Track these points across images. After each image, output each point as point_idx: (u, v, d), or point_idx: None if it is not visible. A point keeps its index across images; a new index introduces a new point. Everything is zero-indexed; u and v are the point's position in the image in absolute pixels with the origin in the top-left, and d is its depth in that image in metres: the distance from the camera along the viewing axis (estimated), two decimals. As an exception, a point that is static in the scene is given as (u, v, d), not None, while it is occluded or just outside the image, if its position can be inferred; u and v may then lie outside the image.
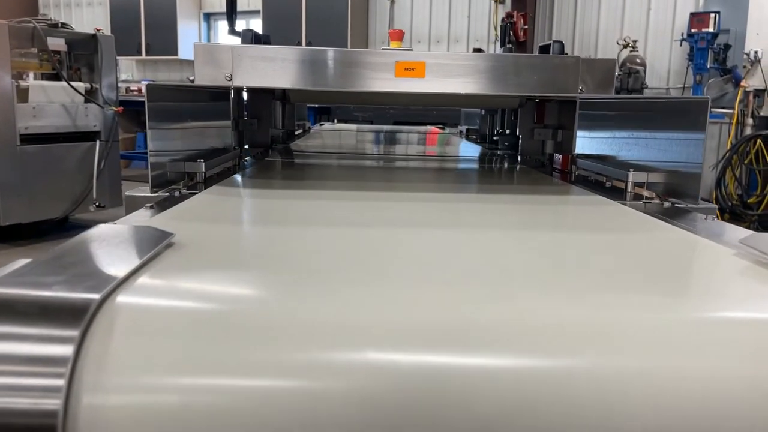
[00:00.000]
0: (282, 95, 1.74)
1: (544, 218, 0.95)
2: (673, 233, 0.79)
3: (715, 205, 0.94)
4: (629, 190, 1.09)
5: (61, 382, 0.41)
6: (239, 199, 1.07)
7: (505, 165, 1.76)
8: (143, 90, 6.28)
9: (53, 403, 0.41)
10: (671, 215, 0.91)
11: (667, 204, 1.00)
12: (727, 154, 6.11)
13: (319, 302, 0.49)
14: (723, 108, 6.76)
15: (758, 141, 6.02)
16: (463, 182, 1.46)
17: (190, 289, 0.51)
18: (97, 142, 4.34)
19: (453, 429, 0.43)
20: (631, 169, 1.09)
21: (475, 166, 1.83)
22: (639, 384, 0.45)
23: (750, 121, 6.24)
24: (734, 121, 6.25)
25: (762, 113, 6.13)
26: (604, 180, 1.23)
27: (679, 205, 0.97)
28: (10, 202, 3.78)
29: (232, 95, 1.57)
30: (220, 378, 0.43)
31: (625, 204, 1.02)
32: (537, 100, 1.78)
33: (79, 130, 4.23)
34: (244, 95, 1.81)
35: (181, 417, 0.42)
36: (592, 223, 0.91)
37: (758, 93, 6.14)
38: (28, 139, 3.88)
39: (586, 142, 1.44)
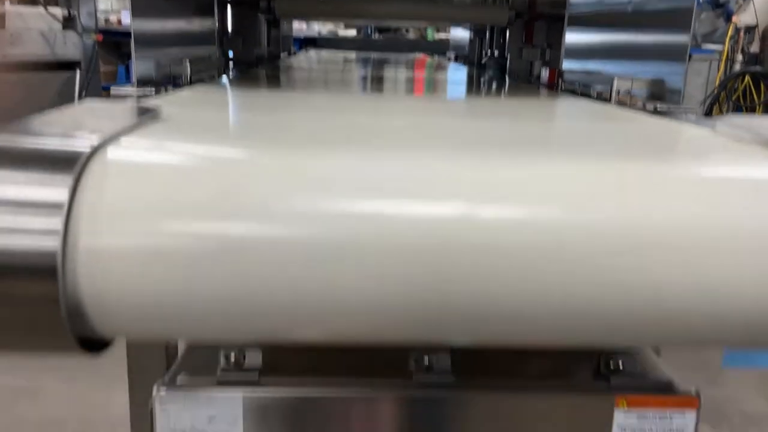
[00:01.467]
0: (267, 8, 1.71)
1: (527, 112, 0.99)
2: (654, 120, 0.82)
3: (699, 108, 0.96)
4: (614, 96, 1.10)
5: (58, 223, 0.43)
6: (225, 91, 1.10)
7: (493, 81, 1.76)
8: (123, 20, 6.07)
9: (52, 244, 0.43)
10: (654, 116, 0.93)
11: (650, 107, 1.01)
12: (715, 91, 6.10)
13: (304, 155, 0.50)
14: (713, 43, 6.70)
15: (746, 77, 6.01)
16: (450, 91, 1.47)
17: (179, 146, 0.52)
18: (77, 72, 4.24)
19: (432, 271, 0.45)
20: (615, 77, 1.10)
21: (463, 81, 1.83)
22: (610, 236, 0.47)
23: (740, 57, 6.21)
24: (724, 58, 6.21)
25: (752, 50, 6.09)
26: (590, 91, 1.24)
27: (661, 108, 0.99)
28: (-9, 132, 3.71)
29: (216, 9, 1.54)
30: (210, 222, 0.45)
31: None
32: (526, 19, 1.76)
33: (58, 59, 4.11)
34: (229, 13, 1.77)
35: (173, 259, 0.44)
36: (575, 115, 0.95)
37: (749, 29, 6.09)
38: (8, 67, 3.78)
39: (574, 59, 1.44)
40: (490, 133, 0.72)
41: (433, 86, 1.59)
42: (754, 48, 5.88)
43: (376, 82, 1.54)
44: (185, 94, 0.96)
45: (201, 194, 0.44)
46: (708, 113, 6.09)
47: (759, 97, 5.64)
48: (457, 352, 0.65)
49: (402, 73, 1.90)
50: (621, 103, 1.10)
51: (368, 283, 0.46)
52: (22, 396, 2.26)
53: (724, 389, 2.43)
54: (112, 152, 0.48)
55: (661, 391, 0.65)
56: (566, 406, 0.64)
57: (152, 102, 0.78)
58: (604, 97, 1.16)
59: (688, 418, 0.65)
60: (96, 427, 2.11)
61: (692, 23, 0.96)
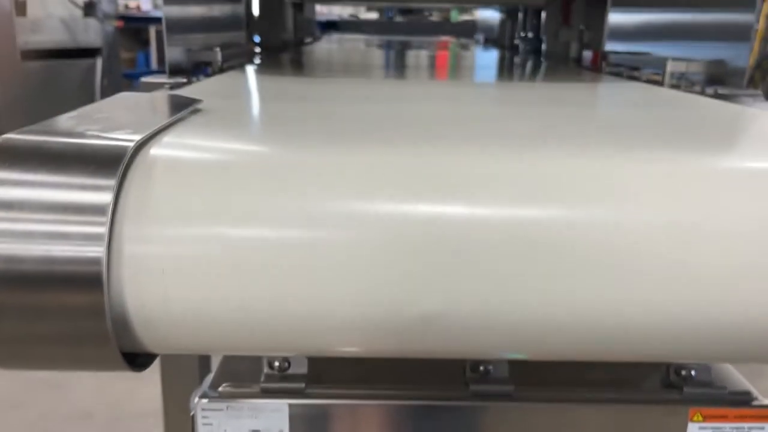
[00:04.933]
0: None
1: (567, 96, 0.93)
2: (714, 104, 0.76)
3: (759, 92, 0.89)
4: (667, 80, 1.03)
5: (102, 230, 0.39)
6: (258, 79, 1.06)
7: (532, 64, 1.69)
8: (142, 6, 6.06)
9: (96, 250, 0.39)
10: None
11: (709, 91, 0.95)
12: (750, 71, 5.91)
13: (344, 154, 0.46)
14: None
15: (781, 57, 5.82)
16: (480, 73, 1.42)
17: (222, 144, 0.48)
18: (99, 59, 4.23)
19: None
20: (669, 59, 1.03)
21: (493, 63, 1.77)
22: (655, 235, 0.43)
23: (773, 37, 6.02)
24: (759, 36, 6.02)
25: (786, 29, 5.89)
26: (639, 75, 1.18)
27: (722, 92, 0.92)
28: (14, 120, 3.72)
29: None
30: (260, 227, 0.41)
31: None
32: (563, -1, 1.69)
33: (79, 46, 4.10)
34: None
35: (221, 264, 0.40)
36: (623, 99, 0.89)
37: (783, 8, 5.88)
38: (29, 54, 3.77)
39: (618, 40, 1.37)
40: (538, 124, 0.66)
41: (470, 71, 1.53)
42: (788, 27, 5.69)
43: (403, 67, 1.49)
44: (219, 83, 0.92)
45: (252, 198, 0.40)
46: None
47: (793, 77, 5.46)
48: (515, 360, 0.61)
49: (431, 58, 1.84)
50: (675, 87, 1.03)
51: (427, 293, 0.41)
52: (50, 389, 2.28)
53: None
54: (156, 150, 0.44)
55: (738, 403, 0.60)
56: (635, 418, 0.59)
57: (189, 91, 0.74)
58: (655, 81, 1.10)
59: (769, 431, 0.60)
60: (124, 419, 2.11)
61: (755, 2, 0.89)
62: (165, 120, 0.49)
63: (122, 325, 0.41)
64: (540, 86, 1.14)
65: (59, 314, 0.40)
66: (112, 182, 0.40)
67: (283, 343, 0.43)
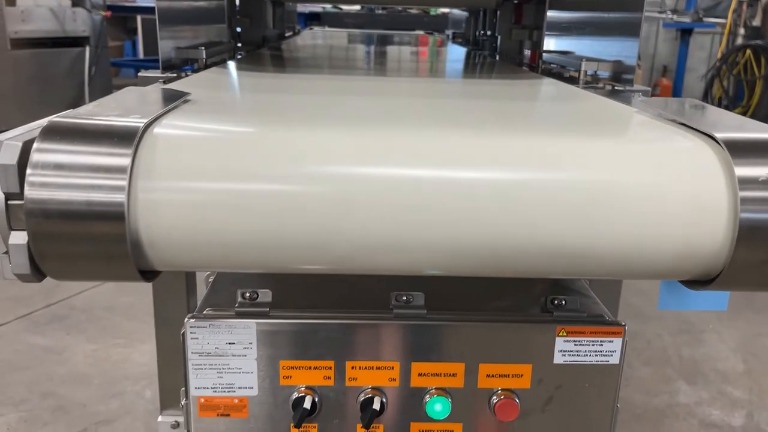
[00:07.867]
0: (272, -7, 1.83)
1: (498, 93, 1.14)
2: (593, 100, 0.98)
3: (648, 88, 1.09)
4: (582, 78, 1.23)
5: (124, 183, 0.58)
6: (239, 74, 1.24)
7: (481, 62, 1.89)
8: (130, -5, 6.14)
9: (120, 197, 0.58)
10: (608, 95, 1.07)
11: (608, 87, 1.15)
12: (717, 64, 6.14)
13: (303, 131, 0.66)
14: (716, 17, 6.70)
15: (747, 51, 6.05)
16: (440, 72, 1.62)
17: (215, 122, 0.68)
18: (87, 48, 4.35)
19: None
20: (583, 59, 1.23)
21: (455, 60, 1.96)
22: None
23: (742, 31, 6.23)
24: (726, 32, 6.24)
25: (754, 23, 6.11)
26: (564, 72, 1.38)
27: (618, 88, 1.13)
28: (3, 108, 3.83)
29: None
30: (246, 183, 0.60)
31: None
32: (516, 1, 1.88)
33: (68, 35, 4.22)
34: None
35: (207, 209, 0.59)
36: (535, 95, 1.10)
37: (752, 3, 6.10)
38: (19, 43, 3.88)
39: (556, 40, 1.57)
40: (458, 112, 0.87)
41: (426, 68, 1.73)
42: (757, 21, 5.92)
43: (375, 66, 1.68)
44: (205, 77, 1.11)
45: (226, 160, 0.60)
46: (708, 86, 6.13)
47: (759, 70, 5.71)
48: (430, 291, 0.81)
49: (398, 56, 2.04)
50: (588, 83, 1.23)
51: (363, 226, 0.61)
52: (50, 354, 2.45)
53: (703, 349, 2.60)
54: (158, 129, 0.63)
55: (594, 323, 0.80)
56: (517, 334, 0.80)
57: (179, 85, 0.93)
58: (574, 78, 1.30)
59: (616, 343, 0.80)
60: (119, 381, 2.30)
61: (643, 4, 1.09)
62: (164, 108, 0.68)
63: (138, 249, 0.61)
64: (471, 83, 1.35)
65: (95, 241, 0.59)
66: (130, 150, 0.59)
67: (244, 262, 0.62)
